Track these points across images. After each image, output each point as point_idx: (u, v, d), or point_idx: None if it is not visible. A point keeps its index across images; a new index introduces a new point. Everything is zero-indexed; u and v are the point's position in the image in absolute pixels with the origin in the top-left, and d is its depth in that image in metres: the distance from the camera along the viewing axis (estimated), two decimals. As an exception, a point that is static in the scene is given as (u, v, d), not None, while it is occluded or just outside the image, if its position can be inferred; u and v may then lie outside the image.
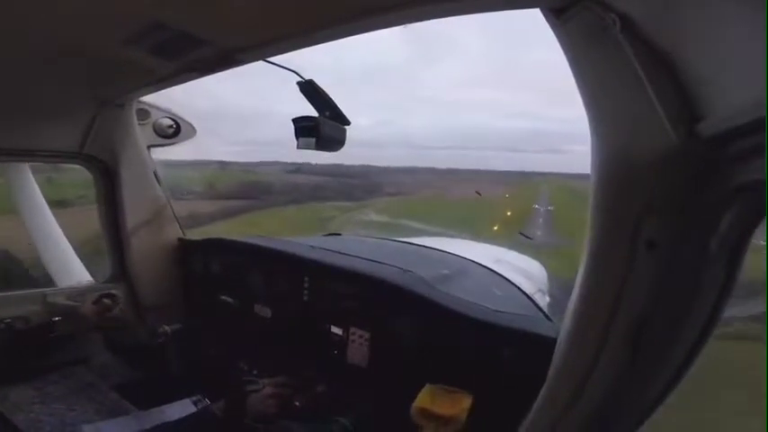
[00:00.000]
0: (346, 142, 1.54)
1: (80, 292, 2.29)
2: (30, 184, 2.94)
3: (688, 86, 0.78)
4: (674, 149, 0.80)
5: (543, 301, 2.70)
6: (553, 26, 0.91)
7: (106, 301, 1.99)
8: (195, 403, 1.59)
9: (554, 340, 1.19)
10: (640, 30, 0.79)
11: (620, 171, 0.89)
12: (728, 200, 0.83)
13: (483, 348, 1.53)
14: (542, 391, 1.19)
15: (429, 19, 1.08)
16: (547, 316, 1.78)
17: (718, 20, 0.68)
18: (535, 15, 1.00)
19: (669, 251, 0.90)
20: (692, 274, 0.92)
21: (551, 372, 1.17)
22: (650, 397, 1.12)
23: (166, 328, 2.17)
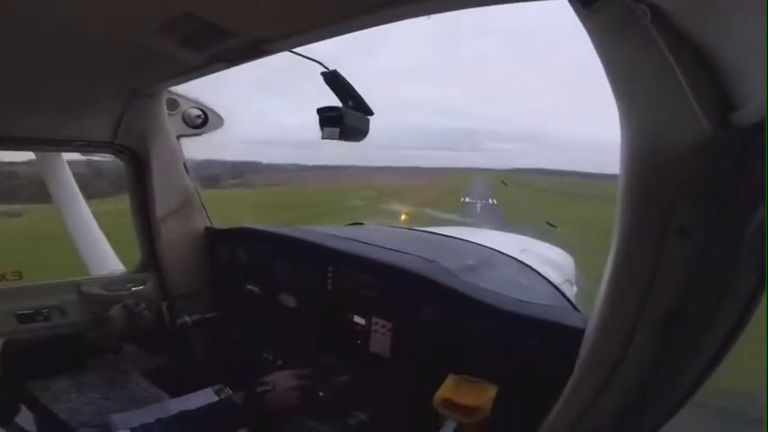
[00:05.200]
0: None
1: (113, 281, 2.38)
2: (64, 174, 3.04)
3: (722, 76, 0.75)
4: (708, 139, 0.77)
5: (571, 291, 2.67)
6: (581, 17, 0.88)
7: (129, 302, 2.03)
8: (217, 392, 1.60)
9: (581, 331, 1.18)
10: (672, 19, 0.76)
11: (652, 160, 0.86)
12: (764, 189, 0.81)
13: (508, 339, 1.52)
14: (569, 383, 1.18)
15: (456, 9, 1.07)
16: (574, 306, 1.75)
17: (754, 6, 0.65)
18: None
19: (702, 239, 0.88)
20: (726, 263, 0.89)
21: (579, 363, 1.16)
22: (681, 389, 1.10)
23: (188, 318, 2.21)
